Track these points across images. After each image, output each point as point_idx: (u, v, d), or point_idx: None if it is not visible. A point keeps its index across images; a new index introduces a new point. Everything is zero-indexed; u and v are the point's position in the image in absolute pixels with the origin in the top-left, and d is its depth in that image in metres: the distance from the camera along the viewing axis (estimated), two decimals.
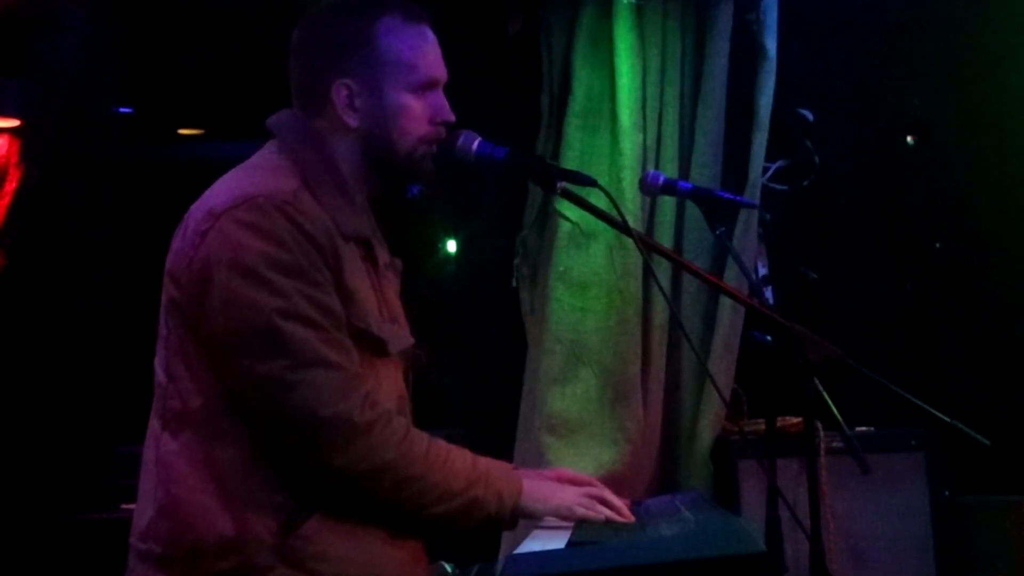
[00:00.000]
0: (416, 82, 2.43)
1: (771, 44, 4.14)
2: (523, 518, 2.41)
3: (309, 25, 2.48)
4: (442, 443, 2.37)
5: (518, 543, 2.31)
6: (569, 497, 2.44)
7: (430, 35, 2.48)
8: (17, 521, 4.34)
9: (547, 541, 2.26)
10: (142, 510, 2.34)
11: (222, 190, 2.33)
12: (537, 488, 2.43)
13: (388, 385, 2.39)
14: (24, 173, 4.47)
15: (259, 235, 2.22)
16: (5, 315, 4.42)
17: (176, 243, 2.34)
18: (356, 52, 2.41)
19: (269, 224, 2.23)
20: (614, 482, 3.90)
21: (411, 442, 2.28)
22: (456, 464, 2.32)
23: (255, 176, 2.35)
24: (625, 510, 2.47)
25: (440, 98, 2.48)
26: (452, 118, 2.49)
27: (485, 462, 2.40)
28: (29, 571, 4.30)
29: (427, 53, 2.47)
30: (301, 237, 2.23)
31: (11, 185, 4.48)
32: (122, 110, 5.07)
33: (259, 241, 2.22)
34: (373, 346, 2.34)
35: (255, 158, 2.44)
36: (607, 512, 2.43)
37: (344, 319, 2.27)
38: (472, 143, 2.55)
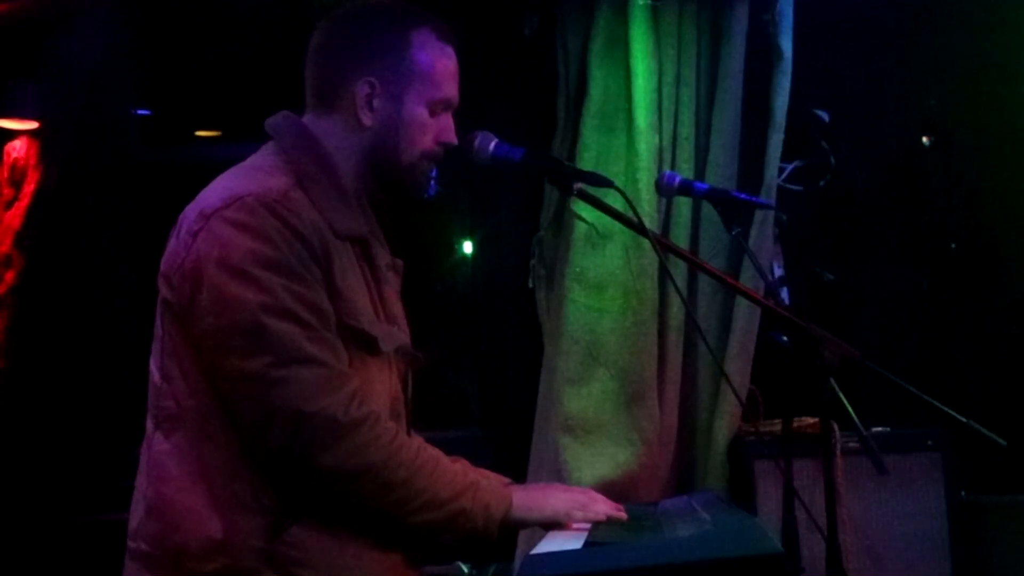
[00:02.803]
0: (435, 99, 2.47)
1: (787, 45, 4.13)
2: (516, 528, 2.41)
3: (339, 24, 2.50)
4: (432, 451, 2.37)
5: (535, 543, 2.31)
6: (560, 504, 2.44)
7: (455, 58, 2.52)
8: (33, 522, 4.36)
9: (564, 541, 2.26)
10: (135, 510, 2.36)
11: (214, 191, 2.35)
12: (528, 497, 2.44)
13: (380, 385, 2.39)
14: (42, 175, 4.50)
15: (247, 233, 2.24)
16: (23, 316, 4.44)
17: (170, 244, 2.36)
18: (387, 56, 2.44)
19: (257, 222, 2.24)
20: (630, 482, 3.93)
21: (399, 446, 2.27)
22: (444, 474, 2.32)
23: (247, 177, 2.37)
24: (617, 514, 2.47)
25: (449, 120, 2.52)
26: (455, 141, 2.53)
27: (475, 475, 2.40)
28: (45, 572, 4.32)
29: (451, 75, 2.51)
30: (289, 235, 2.24)
31: (29, 187, 4.50)
32: (140, 112, 5.08)
33: (247, 239, 2.23)
34: (364, 344, 2.35)
35: (251, 159, 2.46)
36: (603, 509, 2.44)
37: (333, 317, 2.28)
38: (489, 144, 2.57)
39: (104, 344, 4.67)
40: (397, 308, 2.52)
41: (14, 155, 4.57)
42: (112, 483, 4.44)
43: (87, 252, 4.66)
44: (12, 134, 4.61)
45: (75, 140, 4.59)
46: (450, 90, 2.50)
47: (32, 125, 4.59)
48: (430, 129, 2.47)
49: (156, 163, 5.02)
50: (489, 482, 2.42)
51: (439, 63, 2.48)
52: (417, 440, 2.44)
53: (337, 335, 2.28)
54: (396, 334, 2.46)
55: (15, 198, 4.50)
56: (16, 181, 4.52)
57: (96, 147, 4.70)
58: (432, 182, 2.57)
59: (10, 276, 4.45)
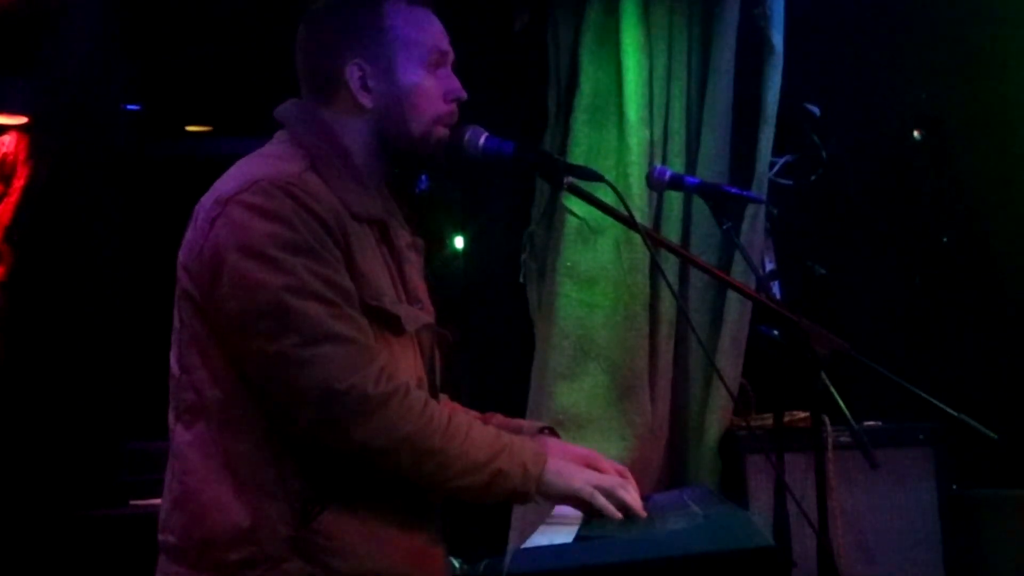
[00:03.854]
0: (426, 57, 2.46)
1: (778, 39, 4.14)
2: (545, 495, 2.38)
3: (316, 17, 2.51)
4: (463, 416, 2.37)
5: (526, 537, 2.31)
6: (587, 481, 2.40)
7: (433, 15, 2.53)
8: (27, 517, 4.35)
9: (555, 535, 2.26)
10: (163, 502, 2.36)
11: (230, 178, 2.35)
12: (562, 466, 2.40)
13: (405, 365, 2.38)
14: (32, 170, 4.49)
15: (265, 217, 2.24)
16: (15, 312, 4.43)
17: (188, 234, 2.36)
18: (366, 35, 2.44)
19: (275, 205, 2.24)
20: None
21: (430, 415, 2.26)
22: (478, 437, 2.31)
23: (261, 162, 2.37)
24: (639, 506, 2.46)
25: (452, 76, 2.51)
26: (464, 95, 2.51)
27: (509, 435, 2.38)
28: (39, 567, 4.31)
29: (433, 29, 2.51)
30: (308, 216, 2.24)
31: (19, 182, 4.49)
32: (130, 107, 5.08)
33: (266, 222, 2.23)
34: (387, 324, 2.34)
35: (264, 147, 2.46)
36: (626, 498, 2.42)
37: (356, 296, 2.28)
38: (479, 138, 2.56)
39: (95, 339, 4.66)
40: (420, 287, 2.52)
41: (4, 150, 4.56)
42: (104, 479, 4.43)
43: (77, 247, 4.64)
44: (2, 129, 4.60)
45: (65, 135, 4.58)
46: (438, 42, 2.49)
47: (22, 120, 4.57)
48: (434, 90, 2.47)
49: (146, 158, 5.01)
50: (524, 441, 2.40)
51: (418, 24, 2.48)
52: (448, 406, 2.45)
53: (361, 313, 2.28)
54: (419, 314, 2.46)
55: (5, 193, 4.49)
56: (6, 176, 4.51)
57: (86, 142, 4.69)
58: (423, 177, 2.57)
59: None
